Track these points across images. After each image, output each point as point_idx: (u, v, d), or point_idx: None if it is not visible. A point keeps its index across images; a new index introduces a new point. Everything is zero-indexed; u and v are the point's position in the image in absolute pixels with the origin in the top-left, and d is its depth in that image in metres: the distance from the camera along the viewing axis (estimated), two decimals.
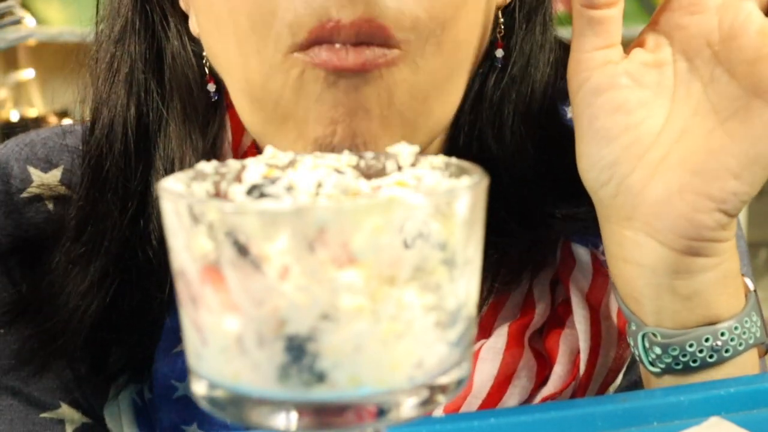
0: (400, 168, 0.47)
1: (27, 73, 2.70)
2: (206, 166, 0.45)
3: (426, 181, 0.44)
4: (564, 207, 0.77)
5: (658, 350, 0.69)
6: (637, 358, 0.72)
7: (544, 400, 0.76)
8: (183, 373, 0.75)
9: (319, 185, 0.45)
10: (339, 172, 0.47)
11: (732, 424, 0.58)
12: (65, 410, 0.80)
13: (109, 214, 0.75)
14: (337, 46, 0.63)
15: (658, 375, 0.71)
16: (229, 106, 0.78)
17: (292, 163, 0.48)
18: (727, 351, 0.68)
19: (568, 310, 0.79)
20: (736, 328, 0.68)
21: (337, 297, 0.38)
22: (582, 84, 0.67)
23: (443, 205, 0.40)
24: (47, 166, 0.82)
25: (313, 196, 0.44)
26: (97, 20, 0.79)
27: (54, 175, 0.82)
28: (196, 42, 0.75)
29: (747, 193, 0.65)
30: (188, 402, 0.75)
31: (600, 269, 0.78)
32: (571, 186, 0.73)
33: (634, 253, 0.69)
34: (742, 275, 0.71)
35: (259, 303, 0.39)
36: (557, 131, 0.79)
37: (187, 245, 0.40)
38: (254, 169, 0.47)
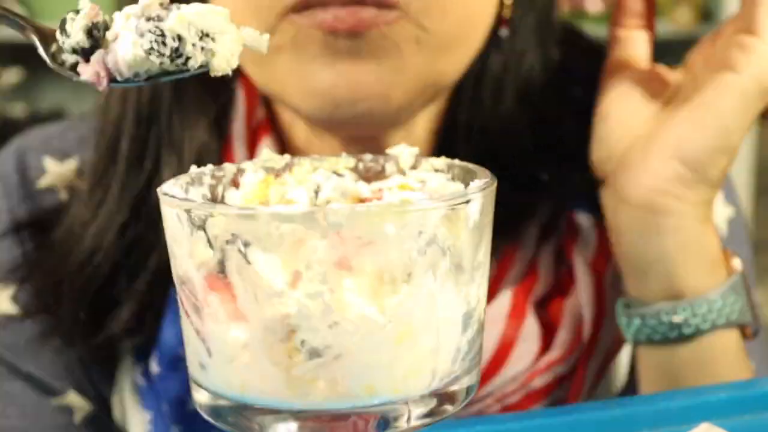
0: (400, 170, 0.46)
1: (23, 72, 2.67)
2: (203, 170, 0.44)
3: (430, 183, 0.43)
4: (551, 170, 0.79)
5: (637, 321, 0.71)
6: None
7: (549, 365, 0.76)
8: None
9: (318, 189, 0.44)
10: (338, 174, 0.46)
11: (722, 430, 0.58)
12: (73, 398, 0.79)
13: (121, 179, 0.76)
14: (326, 17, 0.64)
15: (643, 347, 0.72)
16: (244, 78, 0.80)
17: (288, 166, 0.46)
18: (688, 328, 0.69)
19: (572, 279, 0.80)
20: (700, 305, 0.69)
21: (349, 304, 0.37)
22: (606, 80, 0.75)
23: (456, 208, 0.39)
24: (63, 156, 0.83)
25: (314, 200, 0.43)
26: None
27: (69, 166, 0.83)
28: None
29: (701, 140, 0.68)
30: None
31: (604, 238, 0.79)
32: (561, 151, 0.78)
33: (611, 219, 0.72)
34: (729, 254, 0.72)
35: (269, 311, 0.37)
36: (556, 109, 0.81)
37: (190, 252, 0.39)
38: (251, 172, 0.45)
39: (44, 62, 0.47)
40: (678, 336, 0.70)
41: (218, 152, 0.77)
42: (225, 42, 0.45)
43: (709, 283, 0.70)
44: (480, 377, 0.44)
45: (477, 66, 0.76)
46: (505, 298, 0.77)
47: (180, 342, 0.73)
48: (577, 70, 0.84)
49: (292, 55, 0.66)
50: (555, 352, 0.76)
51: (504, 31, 0.77)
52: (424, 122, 0.78)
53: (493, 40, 0.76)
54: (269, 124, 0.79)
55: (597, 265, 0.79)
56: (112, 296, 0.76)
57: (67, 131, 0.85)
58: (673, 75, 0.75)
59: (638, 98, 0.73)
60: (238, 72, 0.77)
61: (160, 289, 0.76)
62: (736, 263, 0.72)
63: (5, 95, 2.83)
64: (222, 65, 0.45)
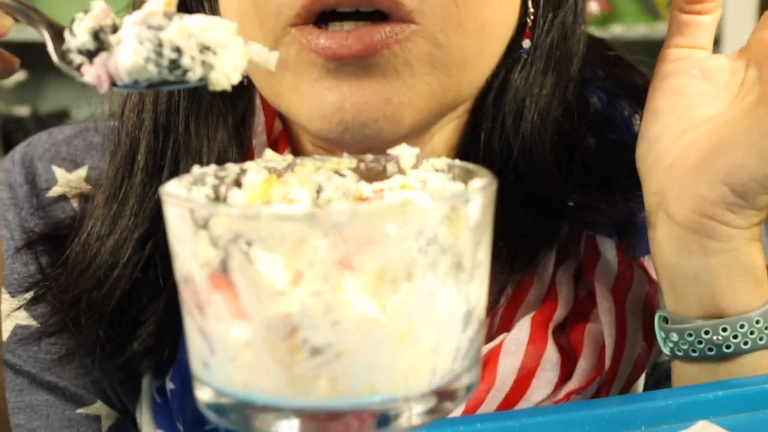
0: (401, 170, 0.47)
1: (25, 73, 2.67)
2: (206, 170, 0.44)
3: (431, 184, 0.44)
4: (577, 197, 0.77)
5: (674, 336, 0.70)
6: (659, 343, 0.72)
7: (569, 395, 0.75)
8: None
9: (320, 189, 0.44)
10: (339, 175, 0.46)
11: (719, 428, 0.58)
12: (101, 406, 0.79)
13: (139, 191, 0.75)
14: (338, 27, 0.63)
15: (680, 362, 0.71)
16: None
17: (290, 166, 0.47)
18: (728, 347, 0.68)
19: (592, 304, 0.79)
20: (741, 325, 0.68)
21: (351, 302, 0.38)
22: (658, 71, 0.72)
23: (457, 208, 0.39)
24: (71, 165, 0.82)
25: (316, 200, 0.43)
26: (133, 2, 0.78)
27: (78, 174, 0.82)
28: None
29: (754, 167, 0.65)
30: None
31: (625, 262, 0.78)
32: (585, 177, 0.76)
33: (652, 230, 0.71)
34: None
35: (271, 310, 0.38)
36: (576, 125, 0.79)
37: (193, 252, 0.39)
38: (253, 173, 0.46)
39: (49, 63, 0.47)
40: (717, 354, 0.69)
41: (241, 161, 0.76)
42: (226, 56, 0.45)
43: (751, 302, 0.68)
44: (480, 376, 0.44)
45: (499, 80, 0.74)
46: (525, 326, 0.76)
47: None
48: (603, 89, 0.82)
49: (295, 74, 0.65)
50: (575, 381, 0.75)
51: (527, 42, 0.75)
52: (443, 138, 0.76)
53: (515, 52, 0.74)
54: (286, 137, 0.78)
55: (618, 290, 0.77)
56: (133, 314, 0.75)
57: (74, 138, 0.84)
58: (736, 64, 0.71)
59: (694, 96, 0.70)
60: (253, 86, 0.77)
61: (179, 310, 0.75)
62: None
63: (10, 96, 2.83)
64: (221, 80, 0.46)
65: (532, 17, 0.75)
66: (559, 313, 0.78)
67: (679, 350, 0.70)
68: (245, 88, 0.77)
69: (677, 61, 0.71)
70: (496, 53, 0.71)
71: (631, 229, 0.79)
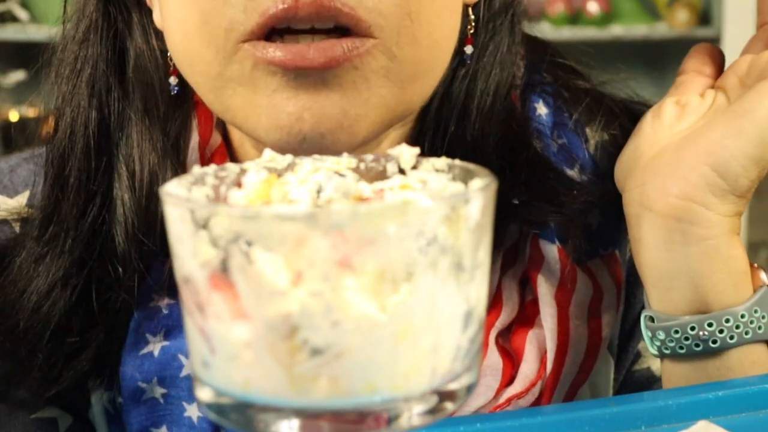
0: (401, 170, 0.47)
1: (26, 73, 2.67)
2: (206, 170, 0.44)
3: (432, 184, 0.44)
4: (522, 196, 0.77)
5: (661, 334, 0.70)
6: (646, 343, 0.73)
7: (510, 399, 0.75)
8: (150, 374, 0.74)
9: (320, 189, 0.44)
10: (339, 174, 0.46)
11: (719, 428, 0.59)
12: (55, 410, 0.79)
13: (72, 214, 0.74)
14: (294, 41, 0.63)
15: (669, 361, 0.72)
16: (198, 102, 0.78)
17: (290, 166, 0.47)
18: (714, 342, 0.69)
19: (536, 309, 0.79)
20: (727, 320, 0.68)
21: (351, 302, 0.38)
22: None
23: (457, 208, 0.39)
24: (13, 192, 0.82)
25: (316, 200, 0.43)
26: (64, 20, 0.79)
27: (19, 200, 0.82)
28: (161, 38, 0.75)
29: (733, 145, 0.67)
30: (156, 404, 0.75)
31: (568, 266, 0.78)
32: (530, 178, 0.76)
33: (635, 230, 0.72)
34: (755, 268, 0.72)
35: (271, 310, 0.38)
36: (518, 125, 0.80)
37: (193, 252, 0.39)
38: (253, 172, 0.46)
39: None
40: (704, 350, 0.69)
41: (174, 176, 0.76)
42: None
43: (735, 296, 0.69)
44: (479, 375, 0.44)
45: (441, 88, 0.75)
46: None
47: (140, 374, 0.73)
48: (549, 93, 0.83)
49: (250, 89, 0.65)
50: (517, 386, 0.76)
51: (469, 48, 0.76)
52: (389, 143, 0.76)
53: (457, 58, 0.76)
54: (225, 149, 0.78)
55: (561, 294, 0.78)
56: (73, 339, 0.74)
57: (16, 168, 0.84)
58: (707, 93, 0.75)
59: (669, 115, 0.74)
60: (189, 101, 0.77)
61: (121, 326, 0.75)
62: (763, 277, 0.71)
63: (10, 96, 2.83)
64: None
65: (473, 25, 0.76)
66: (503, 319, 0.78)
67: (666, 348, 0.71)
68: (179, 107, 0.77)
69: (663, 101, 0.76)
70: (444, 65, 0.72)
71: (576, 232, 0.79)
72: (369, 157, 0.48)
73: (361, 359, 0.38)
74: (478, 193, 0.40)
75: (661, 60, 3.11)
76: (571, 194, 0.77)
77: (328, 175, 0.45)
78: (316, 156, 0.47)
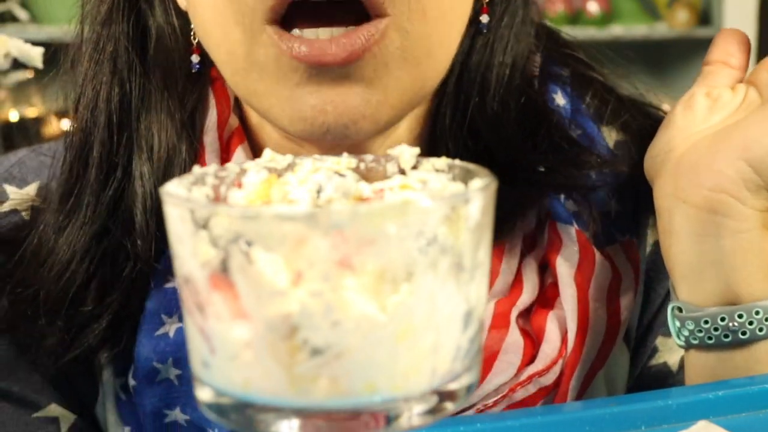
0: (401, 171, 0.47)
1: (26, 73, 2.67)
2: (206, 170, 0.44)
3: (432, 184, 0.44)
4: (547, 162, 0.79)
5: (690, 325, 0.71)
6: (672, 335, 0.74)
7: (531, 377, 0.76)
8: (165, 355, 0.75)
9: (320, 189, 0.44)
10: (340, 174, 0.46)
11: (720, 428, 0.59)
12: (56, 409, 0.79)
13: (93, 187, 0.77)
14: (314, 35, 0.64)
15: (695, 351, 0.73)
16: (215, 80, 0.80)
17: (291, 166, 0.47)
18: (744, 333, 0.69)
19: (556, 293, 0.80)
20: (757, 312, 0.69)
21: (351, 302, 0.38)
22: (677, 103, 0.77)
23: (457, 208, 0.39)
24: (22, 183, 0.84)
25: (316, 200, 0.43)
26: (83, 2, 0.81)
27: (29, 191, 0.83)
28: (183, 16, 0.78)
29: None
30: (171, 385, 0.75)
31: (587, 249, 0.79)
32: (550, 145, 0.78)
33: (666, 221, 0.73)
34: None
35: (271, 310, 0.38)
36: (537, 97, 0.81)
37: (193, 252, 0.39)
38: (253, 172, 0.46)
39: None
40: (733, 341, 0.70)
41: (192, 158, 0.77)
42: None
43: (766, 290, 0.70)
44: (480, 375, 0.44)
45: (459, 57, 0.76)
46: (488, 309, 0.77)
47: (155, 355, 0.74)
48: (564, 80, 0.84)
49: (274, 79, 0.66)
50: (538, 364, 0.77)
51: (485, 17, 0.77)
52: (408, 124, 0.78)
53: (473, 28, 0.77)
54: (242, 131, 0.79)
55: (581, 276, 0.79)
56: (89, 307, 0.75)
57: (25, 160, 0.85)
58: (738, 88, 0.75)
59: (702, 109, 0.74)
60: (206, 79, 0.79)
61: (137, 297, 0.76)
62: None
63: (10, 96, 2.83)
64: None
65: None
66: (524, 299, 0.80)
67: (694, 338, 0.71)
68: (196, 83, 0.79)
69: (692, 91, 0.76)
70: (457, 38, 0.73)
71: (593, 214, 0.81)
72: (369, 157, 0.48)
73: (361, 359, 0.38)
74: (478, 193, 0.40)
75: (661, 60, 3.11)
76: (592, 158, 0.79)
77: (328, 175, 0.45)
78: (316, 156, 0.47)
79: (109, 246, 0.76)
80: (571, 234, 0.79)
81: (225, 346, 0.39)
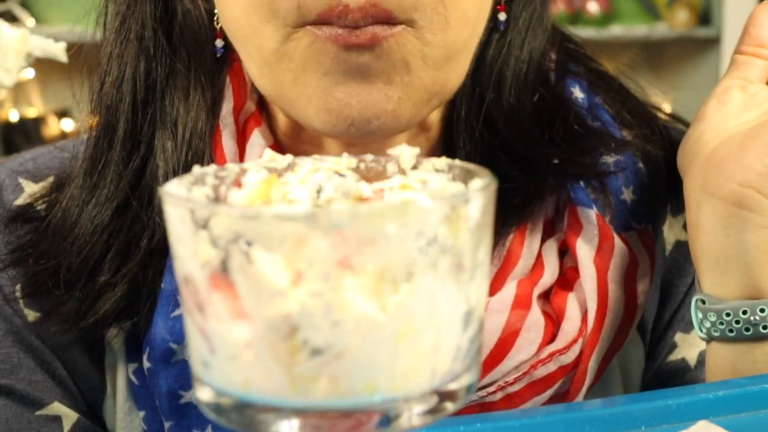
0: (402, 171, 0.47)
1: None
2: (206, 170, 0.44)
3: (432, 184, 0.44)
4: (562, 154, 0.80)
5: (712, 316, 0.72)
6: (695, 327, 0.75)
7: (552, 355, 0.77)
8: (181, 336, 0.75)
9: (320, 189, 0.44)
10: (340, 174, 0.46)
11: (720, 428, 0.59)
12: (59, 407, 0.79)
13: (117, 162, 0.78)
14: (341, 31, 0.65)
15: (716, 344, 0.74)
16: (234, 65, 0.82)
17: (291, 166, 0.47)
18: (765, 327, 0.70)
19: (575, 275, 0.81)
20: None
21: (351, 302, 0.38)
22: (712, 92, 0.78)
23: (457, 208, 0.39)
24: (38, 179, 0.84)
25: (316, 200, 0.43)
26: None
27: (44, 186, 0.84)
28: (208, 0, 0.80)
29: None
30: (186, 366, 0.75)
31: (606, 232, 0.80)
32: (567, 135, 0.80)
33: (694, 214, 0.74)
34: None
35: (271, 310, 0.38)
36: (552, 95, 0.82)
37: (193, 252, 0.39)
38: (253, 172, 0.46)
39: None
40: (754, 335, 0.71)
41: (211, 138, 0.78)
42: None
43: None
44: (480, 375, 0.44)
45: (477, 51, 0.77)
46: (511, 289, 0.78)
47: (171, 336, 0.74)
48: (581, 75, 0.85)
49: (302, 66, 0.67)
50: (559, 343, 0.78)
51: (503, 15, 0.79)
52: (425, 121, 0.79)
53: (491, 24, 0.78)
54: (259, 116, 0.80)
55: (600, 258, 0.80)
56: (106, 277, 0.77)
57: (39, 157, 0.87)
58: None
59: (737, 104, 0.75)
60: (226, 63, 0.80)
61: (153, 271, 0.77)
62: None
63: (10, 96, 2.83)
64: None
65: None
66: (545, 280, 0.81)
67: (716, 330, 0.72)
68: (220, 65, 0.80)
69: (726, 83, 0.77)
70: (477, 38, 0.74)
71: (610, 199, 0.82)
72: (369, 157, 0.48)
73: (361, 359, 0.38)
74: (478, 193, 0.40)
75: (661, 60, 3.11)
76: (610, 143, 0.80)
77: (328, 175, 0.45)
78: (316, 156, 0.47)
79: (129, 219, 0.77)
80: (591, 218, 0.80)
81: (225, 346, 0.39)
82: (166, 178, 0.76)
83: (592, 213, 0.80)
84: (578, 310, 0.79)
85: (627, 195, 0.83)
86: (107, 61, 0.80)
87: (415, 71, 0.67)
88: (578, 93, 0.84)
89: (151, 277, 0.77)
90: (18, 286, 0.79)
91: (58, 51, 0.45)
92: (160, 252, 0.77)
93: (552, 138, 0.80)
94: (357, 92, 0.67)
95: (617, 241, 0.80)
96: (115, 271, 0.77)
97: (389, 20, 0.65)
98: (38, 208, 0.81)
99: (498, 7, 0.79)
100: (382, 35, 0.65)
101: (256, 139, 0.78)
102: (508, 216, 0.80)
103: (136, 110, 0.78)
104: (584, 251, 0.80)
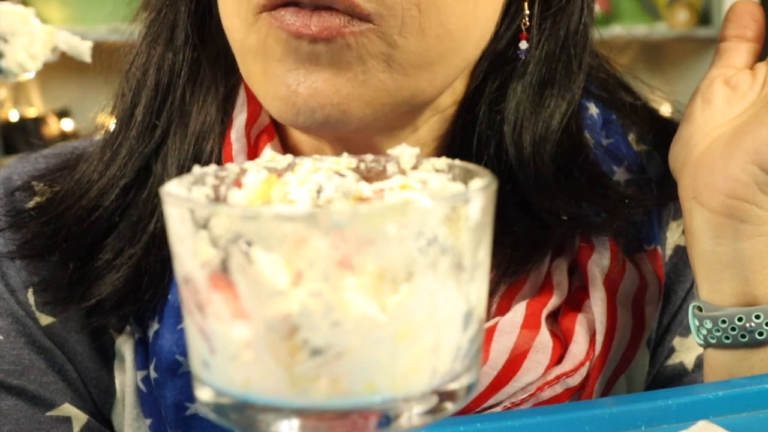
0: (402, 171, 0.47)
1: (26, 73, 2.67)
2: (206, 170, 0.44)
3: (432, 184, 0.44)
4: (571, 210, 0.78)
5: (708, 324, 0.72)
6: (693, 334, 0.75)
7: (559, 377, 0.76)
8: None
9: (320, 189, 0.44)
10: (340, 174, 0.46)
11: (720, 428, 0.59)
12: (70, 408, 0.79)
13: (132, 141, 0.79)
14: (293, 20, 0.65)
15: (713, 350, 0.74)
16: None
17: (291, 166, 0.47)
18: (760, 334, 0.70)
19: (585, 296, 0.80)
20: None
21: (351, 302, 0.38)
22: (696, 88, 0.78)
23: (457, 208, 0.39)
24: (50, 180, 0.84)
25: (316, 200, 0.43)
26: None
27: (54, 164, 0.85)
28: None
29: None
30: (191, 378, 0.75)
31: (617, 256, 0.80)
32: (582, 184, 0.78)
33: (687, 222, 0.74)
34: None
35: (271, 310, 0.38)
36: (576, 137, 0.80)
37: (193, 252, 0.39)
38: (253, 172, 0.46)
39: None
40: (750, 342, 0.71)
41: (221, 135, 0.79)
42: (17, 44, 0.45)
43: None
44: (479, 375, 0.44)
45: (496, 84, 0.76)
46: (520, 310, 0.77)
47: (177, 348, 0.74)
48: (595, 93, 0.85)
49: (258, 57, 0.68)
50: (566, 365, 0.77)
51: (524, 44, 0.76)
52: (429, 129, 0.77)
53: (511, 53, 0.76)
54: (273, 129, 0.80)
55: (610, 281, 0.79)
56: (108, 258, 0.77)
57: (50, 158, 0.87)
58: (759, 73, 0.76)
59: (721, 101, 0.75)
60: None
61: (157, 258, 0.77)
62: None
63: (10, 96, 2.83)
64: (12, 67, 0.45)
65: (527, 21, 0.76)
66: (554, 302, 0.80)
67: (712, 337, 0.73)
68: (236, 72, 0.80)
69: (711, 77, 0.77)
70: (468, 57, 0.72)
71: (623, 226, 0.81)
72: (369, 157, 0.48)
73: (361, 359, 0.38)
74: (478, 193, 0.40)
75: (661, 60, 3.11)
76: (625, 204, 0.79)
77: (328, 175, 0.45)
78: (316, 156, 0.47)
79: (136, 202, 0.78)
80: (602, 239, 0.80)
81: (225, 346, 0.39)
82: (178, 169, 0.78)
83: (605, 236, 0.80)
84: (586, 333, 0.78)
85: (638, 216, 0.83)
86: (139, 44, 0.82)
87: (373, 72, 0.66)
88: (593, 109, 0.83)
89: (154, 264, 0.77)
90: (28, 288, 0.79)
91: (84, 49, 0.45)
92: (163, 236, 0.77)
93: (566, 185, 0.78)
94: (304, 80, 0.66)
95: (628, 265, 0.80)
96: (118, 252, 0.77)
97: (353, 11, 0.64)
98: (43, 185, 0.83)
99: (520, 35, 0.76)
100: (336, 31, 0.64)
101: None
102: (510, 266, 0.79)
103: (156, 96, 0.80)
104: (595, 272, 0.79)
